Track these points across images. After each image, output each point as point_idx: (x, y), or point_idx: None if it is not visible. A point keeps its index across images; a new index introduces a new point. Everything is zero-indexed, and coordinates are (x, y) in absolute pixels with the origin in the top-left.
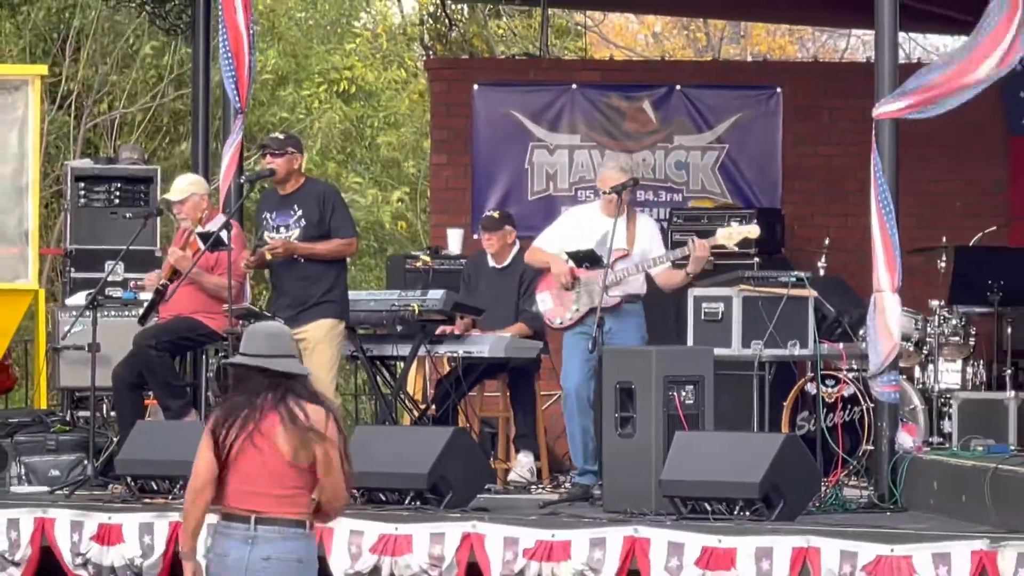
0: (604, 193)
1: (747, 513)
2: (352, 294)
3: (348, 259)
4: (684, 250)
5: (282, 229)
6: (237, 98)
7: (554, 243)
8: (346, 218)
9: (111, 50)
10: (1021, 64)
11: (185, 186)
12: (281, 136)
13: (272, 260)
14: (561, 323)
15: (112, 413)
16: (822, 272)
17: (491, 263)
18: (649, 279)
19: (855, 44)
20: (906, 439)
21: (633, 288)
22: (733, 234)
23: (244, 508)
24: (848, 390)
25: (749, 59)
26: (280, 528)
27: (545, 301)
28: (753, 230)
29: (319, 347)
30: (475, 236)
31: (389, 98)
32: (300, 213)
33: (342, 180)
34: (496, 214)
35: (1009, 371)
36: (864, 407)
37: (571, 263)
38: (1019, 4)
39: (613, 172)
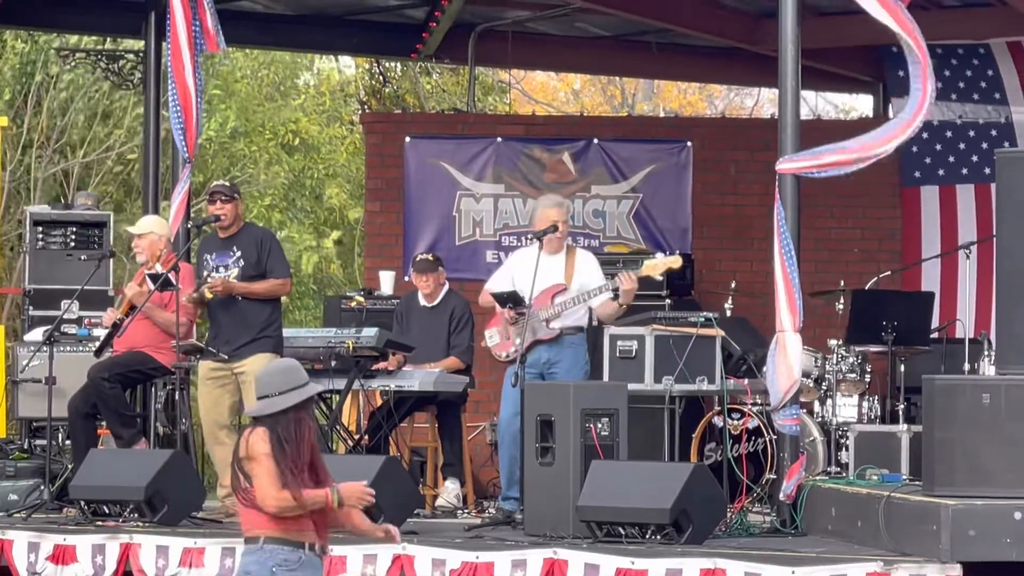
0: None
1: (658, 537)
2: (291, 331)
3: (283, 299)
4: (614, 283)
5: (221, 269)
6: (185, 148)
7: (500, 285)
8: (281, 260)
9: (69, 103)
10: None
11: (147, 223)
12: (228, 183)
13: (211, 298)
14: (507, 356)
15: (67, 442)
16: (729, 313)
17: (422, 302)
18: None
19: (761, 101)
20: (787, 485)
21: (572, 320)
22: (658, 265)
23: None
24: (752, 423)
25: (661, 115)
26: (246, 547)
27: (493, 336)
28: (676, 260)
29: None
30: (406, 278)
31: (329, 151)
32: (239, 254)
33: (285, 231)
34: (430, 257)
35: (902, 406)
36: (767, 439)
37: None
38: (926, 96)
39: (545, 210)
